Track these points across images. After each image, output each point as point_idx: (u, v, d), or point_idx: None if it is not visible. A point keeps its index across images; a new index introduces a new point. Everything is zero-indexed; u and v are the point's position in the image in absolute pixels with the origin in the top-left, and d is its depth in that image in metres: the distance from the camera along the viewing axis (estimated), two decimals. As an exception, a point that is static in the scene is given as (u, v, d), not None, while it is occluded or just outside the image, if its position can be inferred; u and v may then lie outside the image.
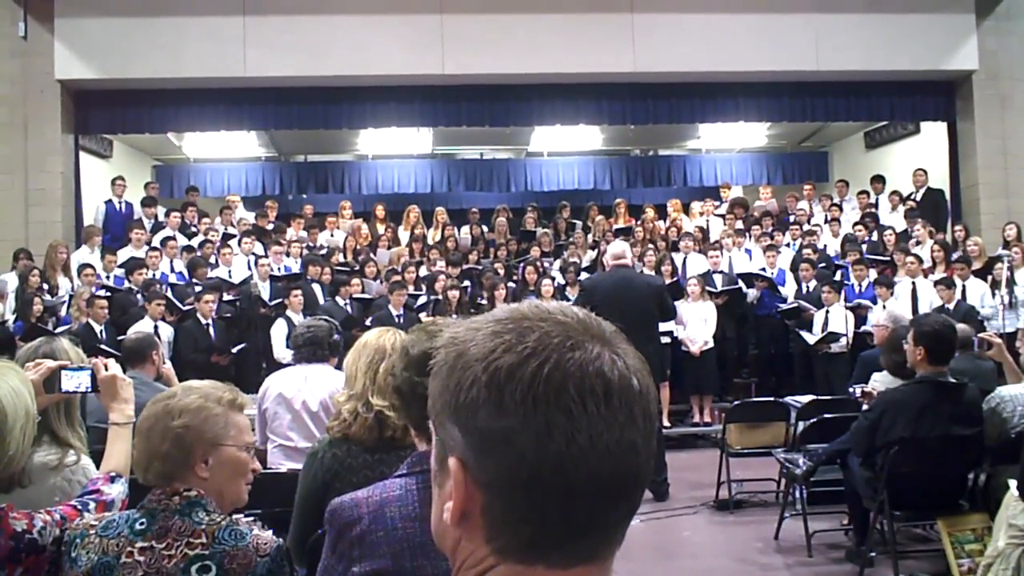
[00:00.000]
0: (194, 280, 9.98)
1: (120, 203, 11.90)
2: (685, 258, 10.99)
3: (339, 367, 3.93)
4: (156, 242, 10.80)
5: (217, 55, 10.90)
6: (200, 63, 10.89)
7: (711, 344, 9.59)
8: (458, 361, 0.83)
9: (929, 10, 11.57)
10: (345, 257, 11.54)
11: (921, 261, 9.95)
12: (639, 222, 12.53)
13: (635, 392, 0.82)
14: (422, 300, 10.02)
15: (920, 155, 12.95)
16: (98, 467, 2.84)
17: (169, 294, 9.34)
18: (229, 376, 8.58)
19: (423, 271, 10.98)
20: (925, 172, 12.19)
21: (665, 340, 9.22)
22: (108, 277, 9.97)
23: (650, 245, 11.21)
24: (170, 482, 1.94)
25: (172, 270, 10.45)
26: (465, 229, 12.88)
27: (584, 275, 10.15)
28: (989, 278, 9.49)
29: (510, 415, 0.79)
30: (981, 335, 5.02)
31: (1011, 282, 9.02)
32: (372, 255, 11.44)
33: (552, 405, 0.78)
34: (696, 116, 12.47)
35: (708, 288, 9.86)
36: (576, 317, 0.85)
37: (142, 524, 1.90)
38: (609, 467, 0.79)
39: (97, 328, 8.64)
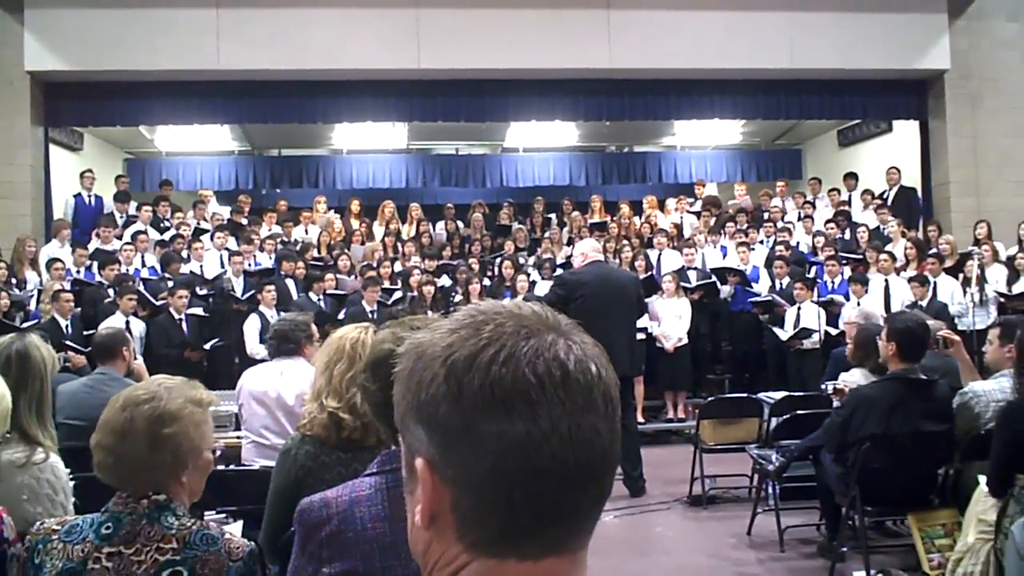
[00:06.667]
0: (167, 275, 9.87)
1: (90, 196, 11.74)
2: (660, 254, 11.02)
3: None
4: (127, 236, 10.67)
5: (190, 47, 10.76)
6: (173, 55, 10.75)
7: (685, 340, 9.62)
8: (418, 363, 0.83)
9: (902, 10, 11.67)
10: (319, 252, 11.47)
11: (894, 258, 10.03)
12: (614, 218, 12.54)
13: (593, 376, 0.82)
14: (396, 295, 9.97)
15: (892, 153, 13.06)
16: (67, 465, 2.81)
17: (141, 289, 9.24)
18: (202, 372, 8.52)
19: (397, 266, 10.93)
20: (898, 170, 12.27)
21: (639, 336, 9.24)
22: (79, 271, 9.83)
23: (625, 241, 11.24)
24: (152, 489, 1.87)
25: (144, 265, 10.33)
26: (440, 224, 12.86)
27: (560, 271, 10.13)
28: (960, 276, 9.59)
29: (470, 405, 0.79)
30: (940, 332, 5.05)
31: (981, 280, 9.12)
32: (346, 250, 11.37)
33: (510, 392, 0.78)
34: (671, 113, 12.48)
35: (683, 284, 9.89)
36: (531, 310, 0.86)
37: (108, 528, 1.84)
38: (572, 451, 0.79)
39: (63, 323, 8.50)
